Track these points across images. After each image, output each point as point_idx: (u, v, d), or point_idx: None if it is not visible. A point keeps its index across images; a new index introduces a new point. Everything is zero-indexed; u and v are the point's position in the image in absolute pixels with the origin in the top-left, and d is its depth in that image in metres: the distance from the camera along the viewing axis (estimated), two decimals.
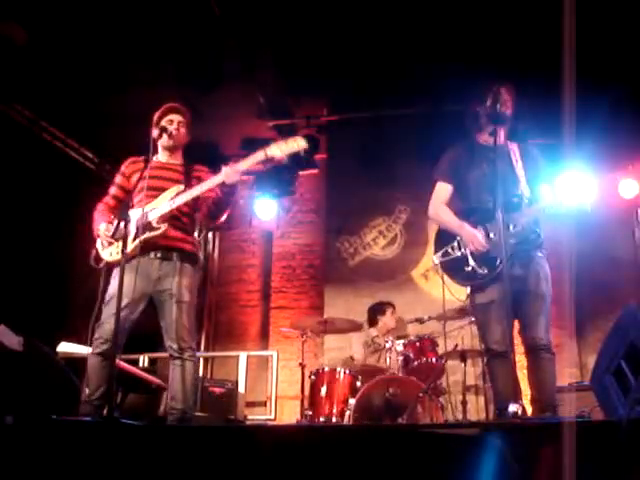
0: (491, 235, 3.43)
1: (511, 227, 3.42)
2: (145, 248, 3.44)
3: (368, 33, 5.79)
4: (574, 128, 4.44)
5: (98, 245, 3.60)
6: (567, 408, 4.79)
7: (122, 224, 3.33)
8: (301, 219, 7.92)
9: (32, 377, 3.60)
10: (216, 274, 8.15)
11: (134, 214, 3.52)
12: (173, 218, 3.54)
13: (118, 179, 3.75)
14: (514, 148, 3.71)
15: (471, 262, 3.43)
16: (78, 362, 3.52)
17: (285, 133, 6.92)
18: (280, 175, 7.07)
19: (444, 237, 3.60)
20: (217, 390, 5.68)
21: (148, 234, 3.43)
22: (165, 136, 3.64)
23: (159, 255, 3.47)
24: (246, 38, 5.78)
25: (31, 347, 3.68)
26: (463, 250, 3.47)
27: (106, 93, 6.23)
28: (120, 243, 3.45)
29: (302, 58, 6.11)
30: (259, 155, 3.42)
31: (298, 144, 3.40)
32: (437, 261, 3.51)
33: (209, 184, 3.49)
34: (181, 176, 3.65)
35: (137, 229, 3.44)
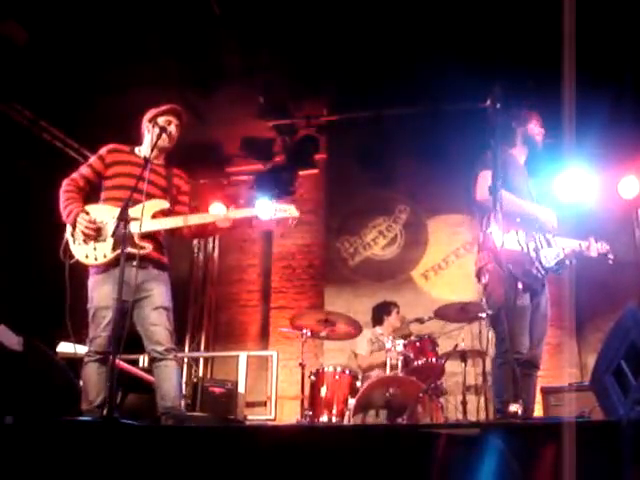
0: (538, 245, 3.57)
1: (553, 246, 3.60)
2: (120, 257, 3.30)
3: (368, 33, 5.79)
4: (574, 126, 4.45)
5: (68, 236, 3.49)
6: (567, 408, 4.80)
7: (120, 226, 3.21)
8: (301, 219, 7.90)
9: (32, 377, 3.60)
10: (216, 274, 8.14)
11: (108, 212, 3.45)
12: (152, 235, 3.50)
13: (94, 162, 3.63)
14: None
15: (533, 259, 3.51)
16: (78, 362, 3.50)
17: (285, 133, 6.93)
18: (280, 175, 7.06)
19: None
20: (217, 390, 5.67)
21: (131, 249, 3.31)
22: (165, 136, 3.62)
23: (134, 264, 3.32)
24: (246, 38, 5.79)
25: (31, 347, 3.68)
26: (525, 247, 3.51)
27: (106, 93, 6.23)
28: (98, 245, 3.41)
29: (302, 58, 6.11)
30: (253, 211, 3.66)
31: (290, 212, 3.61)
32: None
33: (198, 220, 3.56)
34: (164, 182, 3.63)
35: (116, 236, 3.34)
